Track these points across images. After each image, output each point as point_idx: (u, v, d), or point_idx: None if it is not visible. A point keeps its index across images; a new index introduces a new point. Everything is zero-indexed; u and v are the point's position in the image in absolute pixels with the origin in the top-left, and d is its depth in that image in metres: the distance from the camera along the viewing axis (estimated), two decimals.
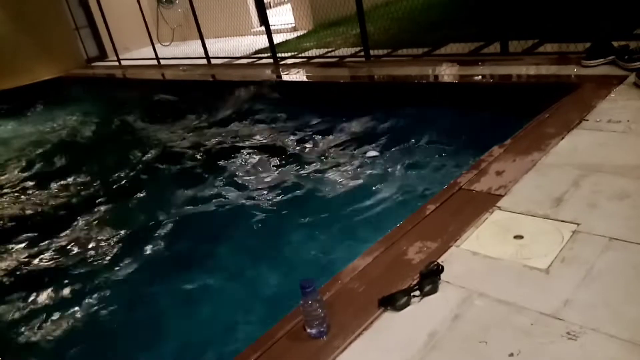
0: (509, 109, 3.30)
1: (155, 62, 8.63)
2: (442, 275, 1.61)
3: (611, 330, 1.29)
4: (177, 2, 10.81)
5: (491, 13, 4.33)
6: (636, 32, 4.05)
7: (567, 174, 2.06)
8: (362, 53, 5.28)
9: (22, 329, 2.68)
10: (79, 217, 3.84)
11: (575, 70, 3.31)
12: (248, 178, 3.81)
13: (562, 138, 2.38)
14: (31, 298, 2.91)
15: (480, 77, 3.78)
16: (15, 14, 9.62)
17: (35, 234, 3.73)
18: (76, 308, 2.67)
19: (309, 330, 1.51)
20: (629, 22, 4.30)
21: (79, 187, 4.59)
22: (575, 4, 5.17)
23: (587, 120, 2.52)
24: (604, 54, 3.24)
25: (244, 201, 3.45)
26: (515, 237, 1.74)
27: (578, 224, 1.73)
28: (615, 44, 3.24)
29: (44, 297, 2.89)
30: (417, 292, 1.57)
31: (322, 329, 1.50)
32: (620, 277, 1.47)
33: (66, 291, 2.88)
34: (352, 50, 5.96)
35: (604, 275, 1.48)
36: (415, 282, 1.61)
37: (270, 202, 3.32)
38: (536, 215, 1.84)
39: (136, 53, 10.11)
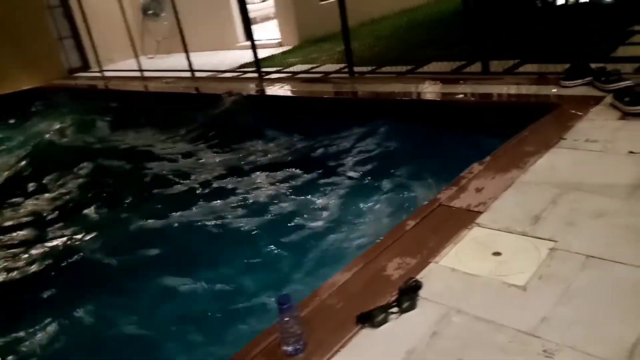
0: (489, 127, 3.34)
1: (139, 74, 8.58)
2: (421, 292, 1.60)
3: (588, 348, 1.28)
4: (163, 15, 10.82)
5: (473, 33, 4.43)
6: (612, 55, 4.17)
7: (545, 192, 2.08)
8: (347, 69, 5.32)
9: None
10: (47, 230, 3.75)
11: (554, 90, 3.38)
12: (220, 193, 3.73)
13: (541, 156, 2.41)
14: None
15: (461, 95, 3.83)
16: None
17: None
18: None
19: (284, 348, 1.48)
20: (605, 45, 4.43)
21: (50, 198, 4.49)
22: (555, 26, 5.32)
23: (566, 139, 2.56)
24: (582, 75, 3.31)
25: (215, 217, 3.37)
26: (494, 253, 1.74)
27: (556, 242, 1.74)
28: (592, 65, 3.32)
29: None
30: (396, 309, 1.55)
31: (298, 347, 1.47)
32: (597, 295, 1.47)
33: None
34: (337, 66, 6.01)
35: (581, 293, 1.48)
36: (393, 298, 1.59)
37: (244, 219, 3.25)
38: (514, 232, 1.84)
39: (120, 65, 10.04)
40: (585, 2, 6.92)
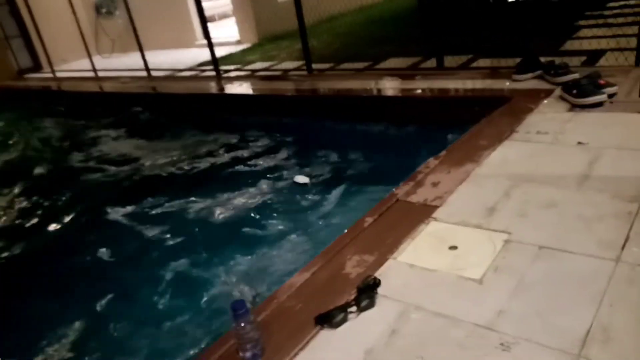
0: (443, 121, 3.39)
1: (92, 74, 8.27)
2: (379, 289, 1.58)
3: (543, 340, 1.30)
4: (117, 13, 10.47)
5: (428, 30, 4.48)
6: (561, 49, 4.31)
7: (499, 185, 2.11)
8: (305, 67, 5.29)
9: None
10: None
11: (507, 84, 3.45)
12: (171, 197, 3.61)
13: (495, 149, 2.45)
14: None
15: (418, 90, 3.86)
16: None
17: None
18: None
19: (242, 354, 1.43)
20: (554, 39, 4.57)
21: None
22: (506, 22, 5.45)
23: (518, 132, 2.62)
24: (532, 69, 3.40)
25: (163, 222, 3.27)
26: (451, 247, 1.75)
27: (509, 233, 1.76)
28: (542, 59, 3.41)
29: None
30: (354, 308, 1.53)
31: (256, 352, 1.43)
32: (550, 285, 1.49)
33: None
34: (296, 63, 5.96)
35: (535, 285, 1.50)
36: (352, 297, 1.57)
37: (194, 223, 3.17)
38: (470, 226, 1.86)
39: (74, 65, 9.65)
40: None
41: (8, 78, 9.94)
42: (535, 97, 3.00)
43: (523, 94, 3.15)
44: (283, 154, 3.96)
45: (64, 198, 4.08)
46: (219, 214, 3.20)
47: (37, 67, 10.67)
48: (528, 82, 3.37)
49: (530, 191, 2.02)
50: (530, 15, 5.78)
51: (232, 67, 6.57)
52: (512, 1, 7.02)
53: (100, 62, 8.54)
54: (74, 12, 8.05)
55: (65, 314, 2.49)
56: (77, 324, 2.37)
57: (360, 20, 8.33)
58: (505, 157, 2.36)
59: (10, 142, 6.34)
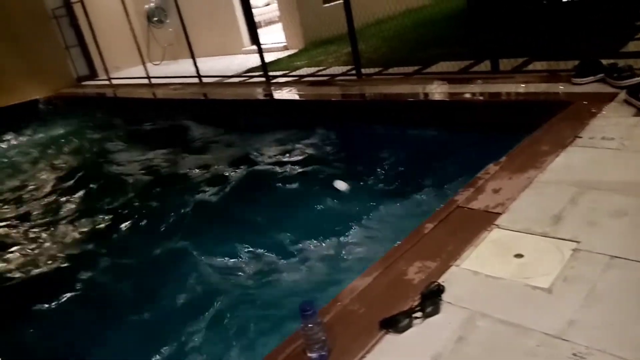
0: (501, 126, 3.32)
1: (146, 81, 8.62)
2: (444, 296, 1.58)
3: (618, 351, 1.26)
4: (167, 21, 10.88)
5: (480, 32, 4.41)
6: (623, 51, 4.14)
7: (564, 191, 2.06)
8: (354, 71, 5.32)
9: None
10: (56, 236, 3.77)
11: (566, 88, 3.35)
12: (229, 200, 3.72)
13: (557, 155, 2.39)
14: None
15: (471, 95, 3.82)
16: (5, 34, 9.60)
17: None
18: None
19: (309, 354, 1.47)
20: (614, 40, 4.40)
21: (59, 206, 4.51)
22: (562, 23, 5.29)
23: (581, 137, 2.54)
24: (594, 72, 3.28)
25: (225, 224, 3.37)
26: (516, 255, 1.73)
27: (578, 242, 1.72)
28: (603, 62, 3.29)
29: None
30: (419, 314, 1.54)
31: (323, 353, 1.46)
32: (623, 296, 1.45)
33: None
34: (344, 68, 6.00)
35: (608, 295, 1.46)
36: (416, 303, 1.58)
37: (257, 225, 3.24)
38: (535, 233, 1.82)
39: (127, 72, 10.10)
40: None
41: (68, 85, 10.51)
42: (598, 102, 2.90)
43: (585, 98, 3.05)
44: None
45: (128, 197, 4.27)
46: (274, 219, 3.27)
47: (93, 75, 11.24)
48: (589, 86, 3.26)
49: (598, 199, 1.96)
50: (587, 16, 5.59)
51: (279, 72, 6.68)
52: (567, 1, 6.80)
53: (152, 69, 8.89)
54: (129, 22, 8.42)
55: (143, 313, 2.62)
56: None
57: (408, 23, 8.27)
58: (570, 163, 2.30)
59: (72, 146, 6.69)
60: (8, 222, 4.48)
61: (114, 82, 9.71)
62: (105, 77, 9.92)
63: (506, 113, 3.42)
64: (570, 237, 1.75)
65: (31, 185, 5.47)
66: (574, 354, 1.29)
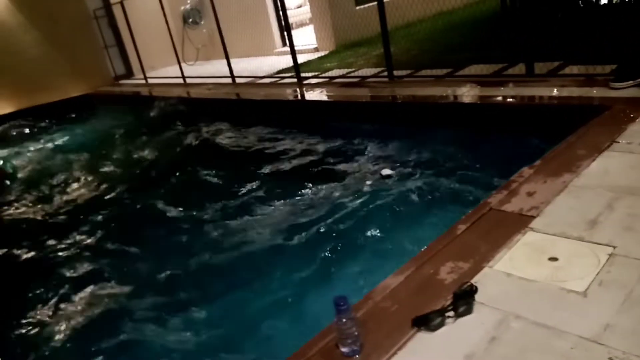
0: (536, 130, 3.29)
1: (180, 80, 8.82)
2: (477, 296, 1.59)
3: None
4: (202, 22, 11.10)
5: (515, 35, 4.34)
6: None
7: (600, 196, 2.04)
8: (385, 73, 5.33)
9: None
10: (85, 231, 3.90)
11: (604, 92, 3.29)
12: (267, 200, 3.78)
13: (593, 160, 2.36)
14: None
15: (508, 98, 3.77)
16: (49, 35, 10.02)
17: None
18: None
19: (342, 349, 1.51)
20: None
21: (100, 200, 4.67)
22: (598, 26, 5.17)
23: (618, 142, 2.50)
24: (633, 76, 3.22)
25: (264, 223, 3.42)
26: (550, 259, 1.72)
27: (614, 247, 1.70)
28: None
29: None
30: (452, 313, 1.55)
31: (355, 348, 1.50)
32: None
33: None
34: (374, 70, 6.02)
35: None
36: (448, 302, 1.59)
37: (293, 224, 3.28)
38: (570, 237, 1.81)
39: (162, 72, 10.35)
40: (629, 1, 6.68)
41: (106, 84, 10.86)
42: (637, 106, 2.85)
43: (623, 102, 2.99)
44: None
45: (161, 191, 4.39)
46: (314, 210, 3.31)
47: (129, 74, 11.57)
48: (627, 90, 3.19)
49: (636, 205, 1.93)
50: (624, 19, 5.44)
51: (310, 74, 6.74)
52: (604, 3, 6.63)
53: (186, 69, 9.09)
54: (166, 23, 8.63)
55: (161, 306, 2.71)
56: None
57: (440, 26, 8.21)
58: (606, 168, 2.27)
59: (109, 144, 6.91)
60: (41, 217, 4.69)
61: (150, 81, 9.97)
62: (141, 76, 10.20)
63: (541, 117, 3.38)
64: (607, 242, 1.74)
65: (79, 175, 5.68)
66: (610, 358, 1.29)
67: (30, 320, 2.91)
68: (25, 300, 3.11)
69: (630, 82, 3.23)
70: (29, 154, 7.36)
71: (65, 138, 8.09)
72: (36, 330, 2.82)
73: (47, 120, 9.20)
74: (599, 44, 4.36)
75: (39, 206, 4.93)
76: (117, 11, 10.39)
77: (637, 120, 2.70)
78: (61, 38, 10.10)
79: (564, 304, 1.51)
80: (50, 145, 7.77)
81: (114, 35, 11.37)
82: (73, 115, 9.37)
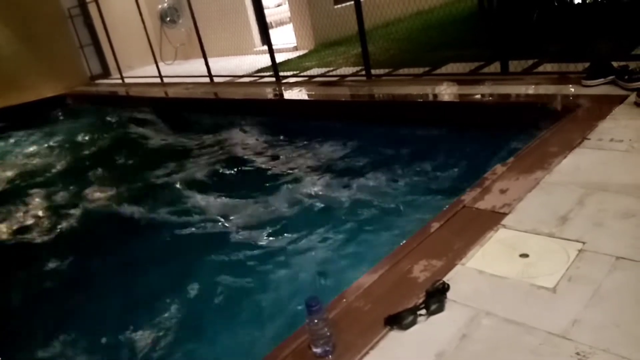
0: (509, 127, 3.32)
1: (158, 80, 8.70)
2: (449, 294, 1.59)
3: (622, 351, 1.27)
4: (180, 21, 10.96)
5: (491, 34, 4.40)
6: (634, 53, 4.11)
7: (571, 193, 2.06)
8: (363, 72, 5.33)
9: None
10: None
11: (576, 89, 3.34)
12: (239, 198, 3.75)
13: (565, 157, 2.39)
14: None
15: (481, 96, 3.81)
16: (21, 33, 9.78)
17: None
18: None
19: (314, 350, 1.49)
20: (626, 42, 4.36)
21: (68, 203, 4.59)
22: (573, 24, 5.25)
23: (589, 139, 2.54)
24: (604, 74, 3.28)
25: (236, 222, 3.40)
26: (521, 255, 1.74)
27: (584, 243, 1.72)
28: (614, 64, 3.27)
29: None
30: (424, 311, 1.55)
31: (327, 348, 1.48)
32: (628, 296, 1.45)
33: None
34: (353, 69, 6.02)
35: (612, 295, 1.47)
36: (421, 300, 1.59)
37: (264, 223, 3.27)
38: (541, 234, 1.83)
39: (139, 71, 10.20)
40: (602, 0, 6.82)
41: (82, 83, 10.65)
42: (607, 103, 2.90)
43: (594, 99, 3.04)
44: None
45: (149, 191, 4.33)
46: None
47: (106, 74, 11.37)
48: (599, 88, 3.25)
49: (606, 200, 1.96)
50: (597, 18, 5.55)
51: (289, 73, 6.71)
52: (578, 3, 6.75)
53: (164, 68, 8.97)
54: (143, 22, 8.50)
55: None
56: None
57: (418, 25, 8.26)
58: (577, 164, 2.30)
59: (84, 143, 6.78)
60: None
61: (127, 80, 9.82)
62: (118, 76, 10.03)
63: (515, 114, 3.41)
64: (576, 238, 1.76)
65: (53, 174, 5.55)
66: (577, 353, 1.30)
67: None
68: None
69: (602, 79, 3.28)
70: None
71: (38, 139, 7.91)
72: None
73: (18, 122, 8.95)
74: (573, 43, 4.44)
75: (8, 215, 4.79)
76: (92, 10, 10.19)
77: (607, 117, 2.75)
78: (34, 37, 9.87)
79: (534, 300, 1.52)
80: (19, 149, 7.59)
81: (89, 34, 11.15)
82: (46, 116, 9.13)
